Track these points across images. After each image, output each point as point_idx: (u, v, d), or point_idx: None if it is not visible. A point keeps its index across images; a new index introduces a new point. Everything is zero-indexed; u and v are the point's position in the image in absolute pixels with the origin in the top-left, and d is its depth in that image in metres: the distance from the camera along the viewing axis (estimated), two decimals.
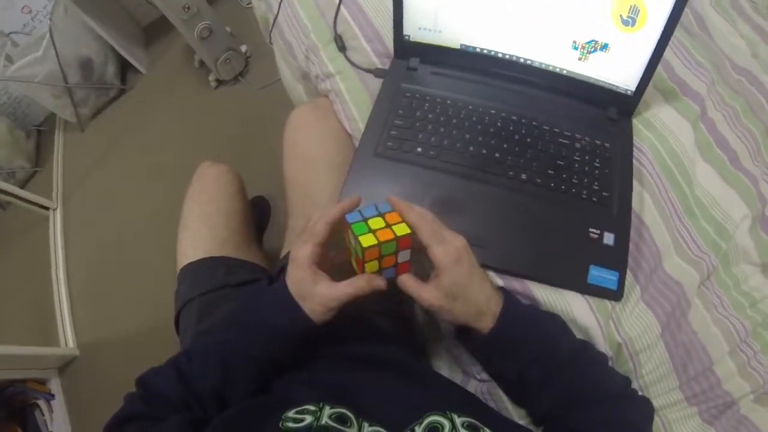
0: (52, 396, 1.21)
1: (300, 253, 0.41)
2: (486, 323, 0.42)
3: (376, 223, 0.40)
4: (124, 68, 1.68)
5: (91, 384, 1.23)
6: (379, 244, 0.39)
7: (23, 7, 1.48)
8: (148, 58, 1.70)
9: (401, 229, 0.40)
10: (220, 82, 1.53)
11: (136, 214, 1.44)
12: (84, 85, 1.53)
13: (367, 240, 0.39)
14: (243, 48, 1.51)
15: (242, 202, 0.74)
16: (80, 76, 1.51)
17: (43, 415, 1.18)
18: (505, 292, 0.46)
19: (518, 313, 0.44)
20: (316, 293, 0.41)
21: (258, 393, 0.43)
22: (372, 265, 0.41)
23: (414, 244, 0.41)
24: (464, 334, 0.45)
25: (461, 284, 0.40)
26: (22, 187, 1.55)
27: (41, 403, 1.19)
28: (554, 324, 0.46)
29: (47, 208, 1.50)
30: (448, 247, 0.40)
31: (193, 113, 1.56)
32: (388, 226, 0.40)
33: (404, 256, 0.42)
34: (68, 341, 1.31)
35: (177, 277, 0.65)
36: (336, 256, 0.45)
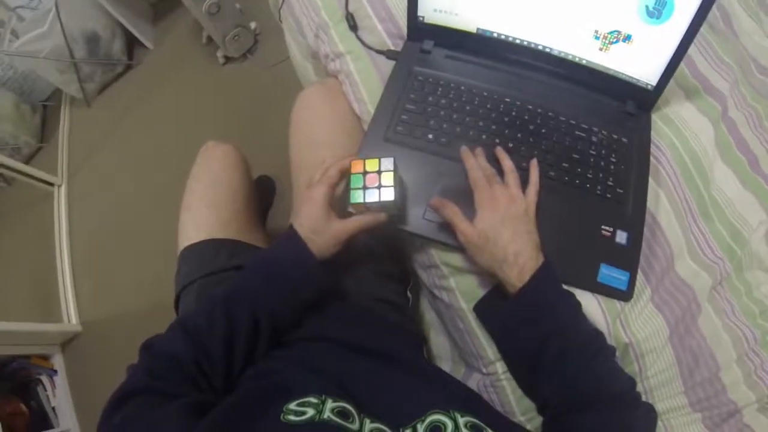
0: (55, 372, 1.23)
1: (315, 193, 0.47)
2: (512, 274, 0.44)
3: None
4: (131, 43, 1.66)
5: (93, 360, 1.25)
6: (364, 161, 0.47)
7: None
8: (155, 33, 1.68)
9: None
10: (228, 59, 1.51)
11: (141, 191, 1.44)
12: (90, 60, 1.51)
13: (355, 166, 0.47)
14: (252, 25, 1.48)
15: (247, 183, 0.72)
16: (86, 51, 1.49)
17: (46, 390, 1.20)
18: (545, 258, 0.46)
19: (548, 282, 0.45)
20: (330, 227, 0.47)
21: (264, 348, 0.45)
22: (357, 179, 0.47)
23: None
24: (488, 304, 0.47)
25: (493, 229, 0.45)
26: (27, 162, 1.55)
27: (44, 378, 1.20)
28: (576, 305, 0.46)
29: (52, 184, 1.50)
30: (488, 194, 0.47)
31: (200, 90, 1.54)
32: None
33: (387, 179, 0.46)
34: (71, 317, 1.32)
35: (177, 259, 0.64)
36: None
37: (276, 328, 0.46)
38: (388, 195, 0.46)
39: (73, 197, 1.50)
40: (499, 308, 0.46)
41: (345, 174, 0.48)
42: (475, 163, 0.49)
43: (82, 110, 1.64)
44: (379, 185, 0.46)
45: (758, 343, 0.52)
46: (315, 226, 0.46)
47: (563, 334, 0.42)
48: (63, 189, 1.51)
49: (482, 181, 0.48)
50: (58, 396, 1.20)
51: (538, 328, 0.43)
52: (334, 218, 0.47)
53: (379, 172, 0.47)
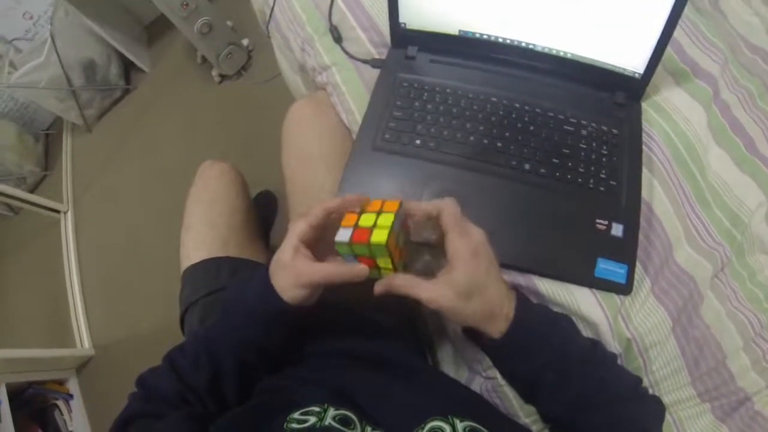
0: (71, 396, 1.25)
1: (292, 226, 0.40)
2: (497, 326, 0.39)
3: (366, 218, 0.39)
4: (128, 68, 1.69)
5: (108, 383, 1.26)
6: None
7: (24, 13, 1.49)
8: (150, 56, 1.70)
9: (383, 221, 0.38)
10: (223, 77, 1.53)
11: (146, 213, 1.46)
12: (88, 87, 1.54)
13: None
14: (245, 42, 1.50)
15: (245, 201, 0.73)
16: (84, 79, 1.52)
17: (63, 415, 1.22)
18: (517, 292, 0.42)
19: (532, 317, 0.41)
20: (290, 265, 0.39)
21: (253, 386, 0.43)
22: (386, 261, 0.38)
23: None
24: (474, 335, 0.43)
25: (477, 280, 0.37)
26: (33, 191, 1.58)
27: (60, 403, 1.22)
28: (566, 326, 0.44)
29: (58, 212, 1.52)
30: (464, 239, 0.37)
31: (197, 109, 1.56)
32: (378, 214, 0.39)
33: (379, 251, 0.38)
34: (84, 342, 1.34)
35: (181, 279, 0.65)
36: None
37: (267, 356, 0.44)
38: (380, 236, 0.37)
39: (80, 223, 1.53)
40: (489, 344, 0.41)
41: (331, 215, 0.41)
42: (434, 204, 0.39)
43: (84, 136, 1.67)
44: (373, 225, 0.38)
45: (764, 328, 0.51)
46: (279, 260, 0.40)
47: (560, 358, 0.40)
48: (69, 215, 1.54)
49: (459, 224, 0.38)
50: (75, 420, 1.22)
51: (533, 359, 0.40)
52: (303, 257, 0.39)
53: (378, 213, 0.39)
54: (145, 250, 1.41)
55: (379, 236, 0.37)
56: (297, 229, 0.40)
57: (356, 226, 0.38)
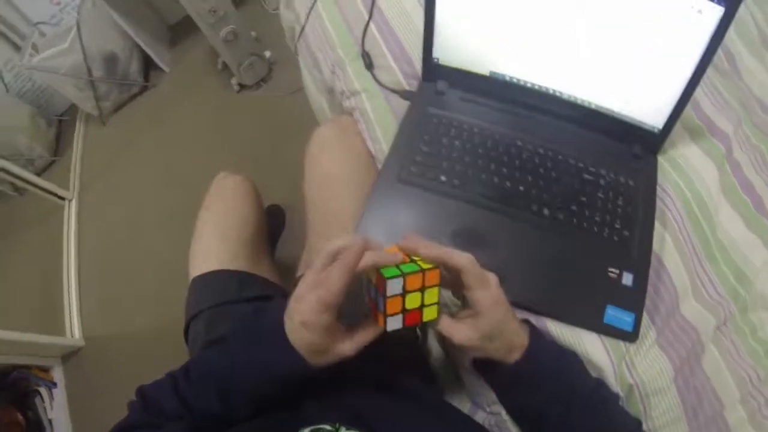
0: (54, 384, 1.23)
1: (311, 317, 0.35)
2: (513, 357, 0.41)
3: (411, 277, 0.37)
4: (148, 65, 1.70)
5: (93, 376, 1.25)
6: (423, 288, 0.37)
7: None
8: (172, 56, 1.72)
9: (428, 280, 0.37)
10: (242, 86, 1.55)
11: (151, 212, 1.46)
12: (107, 79, 1.56)
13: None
14: (267, 54, 1.52)
15: (257, 214, 0.74)
16: (104, 71, 1.54)
17: (44, 402, 1.20)
18: (530, 325, 0.45)
19: (544, 348, 0.44)
20: (333, 352, 0.38)
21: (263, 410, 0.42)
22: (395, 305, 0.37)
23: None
24: (484, 366, 0.45)
25: (499, 326, 0.40)
26: (40, 174, 1.58)
27: (43, 390, 1.21)
28: (574, 360, 0.46)
29: (63, 199, 1.52)
30: (485, 289, 0.39)
31: (213, 115, 1.57)
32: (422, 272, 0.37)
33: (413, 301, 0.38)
34: (74, 332, 1.33)
35: (188, 287, 0.65)
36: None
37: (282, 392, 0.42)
38: (432, 314, 0.38)
39: (83, 213, 1.53)
40: (501, 375, 0.42)
41: (362, 271, 0.37)
42: (463, 255, 0.39)
43: (97, 128, 1.67)
44: (421, 305, 0.37)
45: (762, 382, 0.52)
46: (314, 351, 0.37)
47: (564, 398, 0.42)
48: (74, 204, 1.53)
49: (481, 277, 0.39)
50: (56, 409, 1.20)
51: (541, 392, 0.42)
52: (340, 339, 0.38)
53: (422, 290, 0.37)
54: (146, 249, 1.40)
55: (432, 314, 0.38)
56: (322, 322, 0.35)
57: (404, 310, 0.37)
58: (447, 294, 0.49)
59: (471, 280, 0.39)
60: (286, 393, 0.41)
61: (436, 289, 0.38)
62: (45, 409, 1.19)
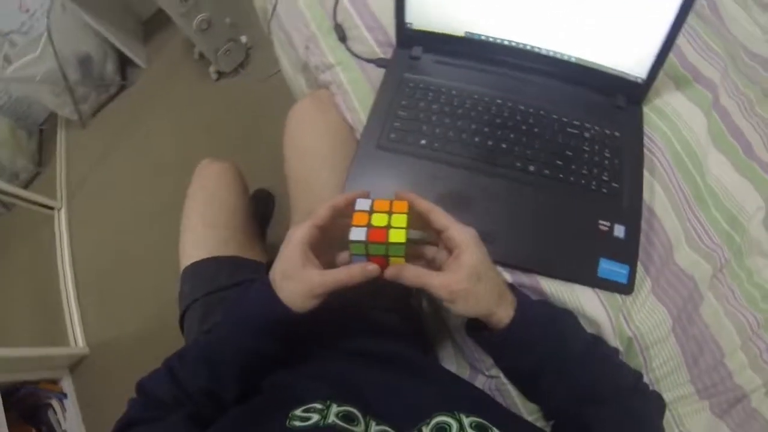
0: (65, 395, 1.23)
1: (295, 233, 0.39)
2: (506, 311, 0.40)
3: (379, 216, 0.40)
4: (124, 64, 1.67)
5: (102, 381, 1.25)
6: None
7: (20, 6, 1.46)
8: (147, 52, 1.69)
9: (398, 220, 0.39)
10: (220, 74, 1.52)
11: (141, 210, 1.45)
12: (84, 82, 1.53)
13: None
14: (243, 39, 1.49)
15: (244, 199, 0.73)
16: (80, 74, 1.51)
17: (56, 414, 1.20)
18: (514, 288, 0.44)
19: (534, 309, 0.43)
20: (303, 276, 0.38)
21: (253, 388, 0.43)
22: (378, 249, 0.39)
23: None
24: (477, 330, 0.44)
25: (484, 263, 0.39)
26: (26, 187, 1.56)
27: (54, 402, 1.21)
28: (568, 320, 0.45)
29: (52, 208, 1.51)
30: (467, 229, 0.40)
31: (194, 106, 1.55)
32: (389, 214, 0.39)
33: (396, 250, 0.39)
34: (78, 340, 1.32)
35: (180, 278, 0.64)
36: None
37: (270, 360, 0.43)
38: (399, 236, 0.38)
39: (74, 219, 1.51)
40: (493, 337, 0.42)
41: (338, 213, 0.41)
42: (429, 202, 0.42)
43: (78, 132, 1.65)
44: (387, 225, 0.38)
45: (761, 327, 0.52)
46: (286, 271, 0.39)
47: (557, 357, 0.41)
48: (63, 212, 1.52)
49: (448, 218, 0.40)
50: (69, 419, 1.20)
51: (535, 352, 0.41)
52: (312, 266, 0.39)
53: (389, 213, 0.39)
54: (140, 248, 1.40)
55: (398, 236, 0.38)
56: (302, 234, 0.39)
57: (370, 225, 0.38)
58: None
59: (443, 220, 0.40)
60: (270, 348, 0.42)
61: (404, 216, 0.39)
62: (59, 421, 1.19)
